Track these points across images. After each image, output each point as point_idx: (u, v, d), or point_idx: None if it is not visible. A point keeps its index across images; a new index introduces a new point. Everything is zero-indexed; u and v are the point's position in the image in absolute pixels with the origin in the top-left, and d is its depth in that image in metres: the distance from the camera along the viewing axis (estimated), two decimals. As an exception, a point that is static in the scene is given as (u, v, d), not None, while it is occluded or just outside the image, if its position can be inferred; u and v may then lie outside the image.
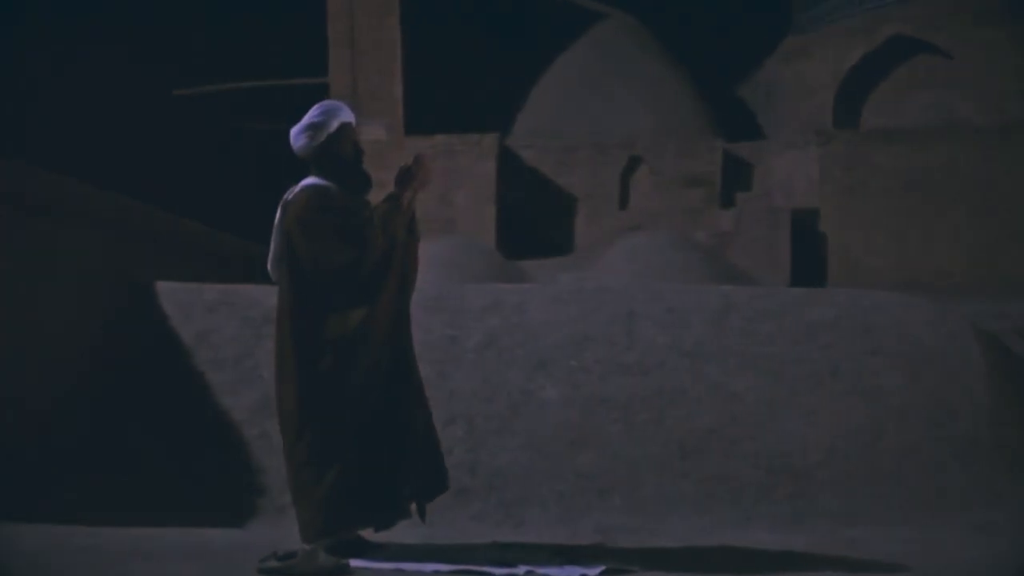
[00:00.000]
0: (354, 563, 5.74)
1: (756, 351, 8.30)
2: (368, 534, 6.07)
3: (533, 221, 21.18)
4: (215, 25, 22.07)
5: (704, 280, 15.98)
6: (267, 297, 7.47)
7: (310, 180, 6.13)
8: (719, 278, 16.94)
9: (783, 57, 23.32)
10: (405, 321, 6.19)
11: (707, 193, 21.18)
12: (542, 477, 7.46)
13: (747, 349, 8.33)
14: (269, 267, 6.20)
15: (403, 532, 6.13)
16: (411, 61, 21.63)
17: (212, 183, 20.52)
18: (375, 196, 6.19)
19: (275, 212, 6.08)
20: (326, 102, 6.30)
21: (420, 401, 6.18)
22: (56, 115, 18.21)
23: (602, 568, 5.66)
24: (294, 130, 6.19)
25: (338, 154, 6.17)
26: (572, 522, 7.07)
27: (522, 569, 5.65)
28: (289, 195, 6.12)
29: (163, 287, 9.01)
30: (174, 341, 8.51)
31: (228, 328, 8.56)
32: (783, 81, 23.18)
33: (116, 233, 9.25)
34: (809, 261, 19.76)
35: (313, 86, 21.01)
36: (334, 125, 6.16)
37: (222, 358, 8.34)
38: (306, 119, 6.18)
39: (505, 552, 6.08)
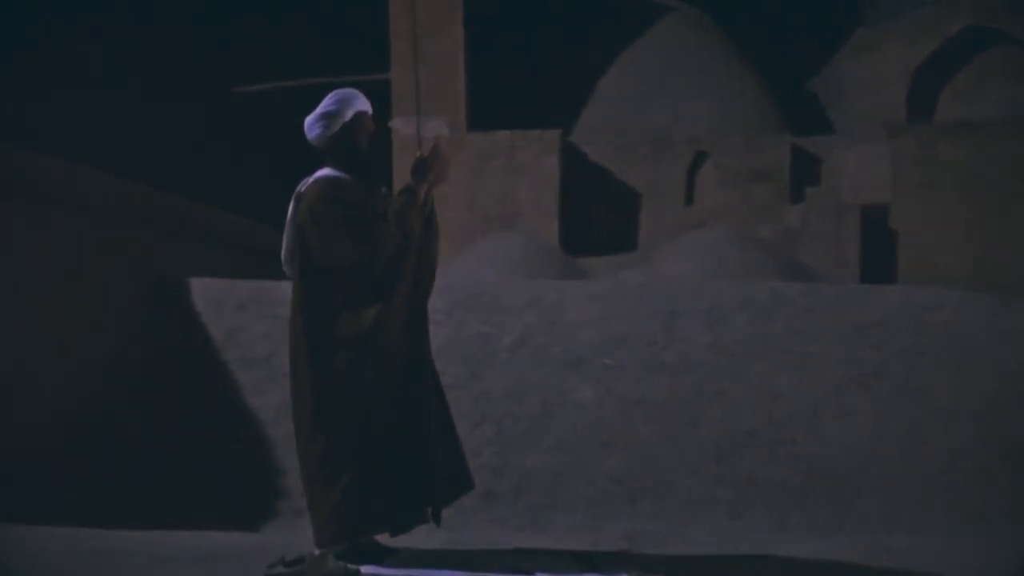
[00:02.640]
0: (365, 570, 5.52)
1: (801, 350, 7.99)
2: (384, 539, 5.84)
3: (596, 218, 20.88)
4: (276, 22, 22.01)
5: (770, 278, 15.60)
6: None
7: (324, 171, 5.92)
8: (785, 275, 16.58)
9: (854, 50, 22.82)
10: (422, 319, 5.95)
11: (775, 189, 20.75)
12: (571, 480, 7.20)
13: (792, 348, 8.02)
14: (283, 262, 5.99)
15: (422, 537, 5.92)
16: (474, 57, 21.42)
17: (275, 182, 20.44)
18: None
19: None
20: (341, 90, 6.05)
21: (438, 402, 5.94)
22: (113, 111, 18.21)
23: (624, 577, 5.42)
24: (308, 119, 5.98)
25: (354, 144, 5.93)
26: (599, 527, 6.81)
27: (539, 578, 5.42)
28: (302, 187, 5.91)
29: (196, 283, 8.85)
30: (204, 338, 8.35)
31: (258, 325, 8.39)
32: (854, 75, 22.68)
33: (144, 226, 9.11)
34: (879, 258, 19.32)
35: (375, 82, 20.86)
36: (349, 114, 5.93)
37: (251, 356, 8.17)
38: (320, 108, 5.96)
39: (524, 559, 5.83)
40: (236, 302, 8.64)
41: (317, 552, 5.57)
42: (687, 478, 7.20)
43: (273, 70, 21.95)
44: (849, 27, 23.08)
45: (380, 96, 22.16)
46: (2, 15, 16.86)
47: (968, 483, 7.09)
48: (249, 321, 8.46)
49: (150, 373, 8.02)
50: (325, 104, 5.96)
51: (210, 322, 8.48)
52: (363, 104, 6.01)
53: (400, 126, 20.74)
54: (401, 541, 5.84)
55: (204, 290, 8.79)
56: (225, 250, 10.91)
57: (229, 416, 7.75)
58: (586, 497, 7.10)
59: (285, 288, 8.57)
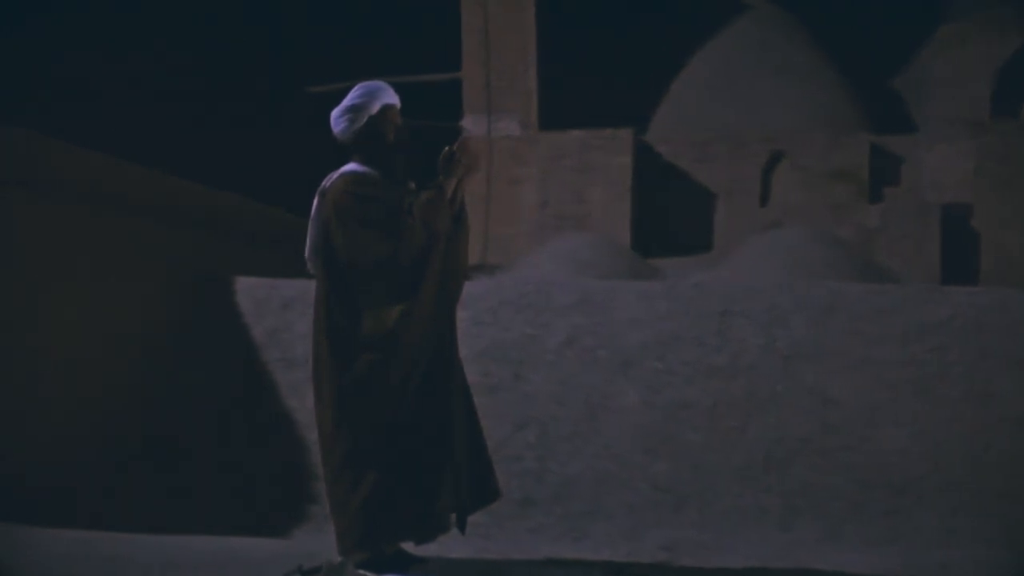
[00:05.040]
0: (384, 579, 5.30)
1: (859, 353, 7.66)
2: (411, 547, 5.62)
3: (670, 218, 20.54)
4: (348, 21, 21.94)
5: (848, 279, 15.17)
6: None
7: (350, 166, 5.72)
8: (863, 276, 16.13)
9: (937, 47, 22.27)
10: (449, 319, 5.71)
11: (854, 188, 20.30)
12: (613, 487, 6.95)
13: (850, 351, 7.69)
14: (307, 259, 5.80)
15: (454, 545, 5.68)
16: (546, 54, 21.18)
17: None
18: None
19: None
20: (368, 83, 5.84)
21: (466, 406, 5.70)
22: (181, 111, 18.25)
23: (654, 591, 5.15)
24: (334, 113, 5.78)
25: (380, 138, 5.72)
26: (638, 537, 6.55)
27: (564, 590, 5.17)
28: (327, 182, 5.71)
29: (241, 283, 8.69)
30: (245, 338, 8.18)
31: (300, 325, 8.20)
32: (937, 72, 22.15)
33: (194, 226, 8.96)
34: (961, 259, 18.81)
35: (446, 81, 20.71)
36: (376, 107, 5.72)
37: (291, 357, 8.01)
38: (346, 101, 5.76)
39: (554, 571, 5.58)
40: (280, 301, 8.48)
41: (337, 560, 5.36)
42: (735, 486, 6.92)
43: (345, 70, 21.86)
44: (933, 23, 22.54)
45: (451, 95, 22.05)
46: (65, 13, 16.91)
47: (1032, 494, 6.73)
48: (292, 321, 8.29)
49: (187, 372, 7.88)
50: (351, 97, 5.75)
51: (252, 322, 8.31)
52: (391, 97, 5.79)
53: (470, 125, 20.54)
54: (431, 549, 5.62)
55: (249, 290, 8.63)
56: (283, 251, 10.77)
57: (265, 417, 7.60)
58: (628, 504, 6.85)
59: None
